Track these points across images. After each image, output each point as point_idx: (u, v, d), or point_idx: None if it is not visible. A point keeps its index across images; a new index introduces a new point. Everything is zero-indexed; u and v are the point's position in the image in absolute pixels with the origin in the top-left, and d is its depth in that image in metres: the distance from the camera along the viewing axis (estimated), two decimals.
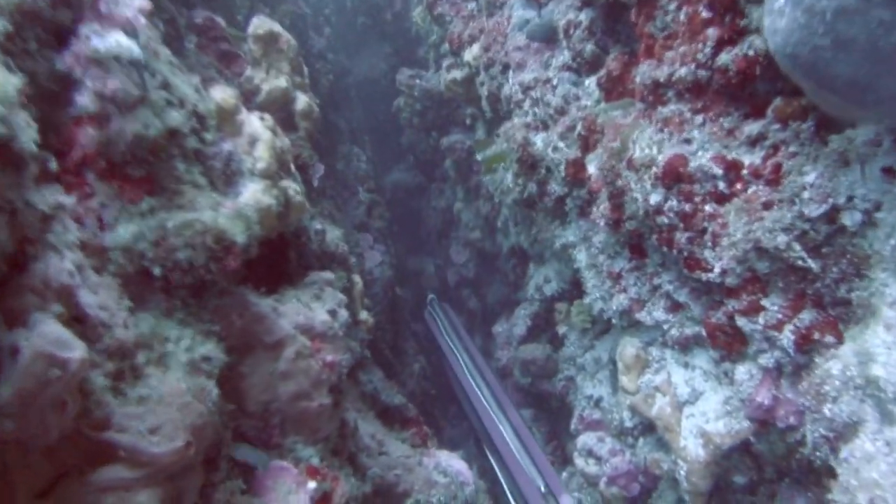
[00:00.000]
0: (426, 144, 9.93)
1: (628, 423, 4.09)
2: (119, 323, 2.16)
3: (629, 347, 3.70)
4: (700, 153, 3.04)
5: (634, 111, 3.49)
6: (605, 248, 3.70)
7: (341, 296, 3.30)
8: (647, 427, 4.01)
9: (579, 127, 3.69)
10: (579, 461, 4.93)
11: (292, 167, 4.26)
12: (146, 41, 2.60)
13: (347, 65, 10.54)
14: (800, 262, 2.68)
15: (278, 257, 3.38)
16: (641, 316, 3.57)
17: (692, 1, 3.09)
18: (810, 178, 2.69)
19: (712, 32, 3.01)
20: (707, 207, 3.02)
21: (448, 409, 9.19)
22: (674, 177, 3.05)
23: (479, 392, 6.60)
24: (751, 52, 2.90)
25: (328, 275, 3.32)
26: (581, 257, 4.01)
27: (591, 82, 3.99)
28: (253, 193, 2.87)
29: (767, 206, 2.82)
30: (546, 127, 4.09)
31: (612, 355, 4.84)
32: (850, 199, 2.56)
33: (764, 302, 2.93)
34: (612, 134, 3.44)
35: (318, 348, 2.72)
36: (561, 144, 3.77)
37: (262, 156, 2.94)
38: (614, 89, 3.73)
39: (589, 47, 3.96)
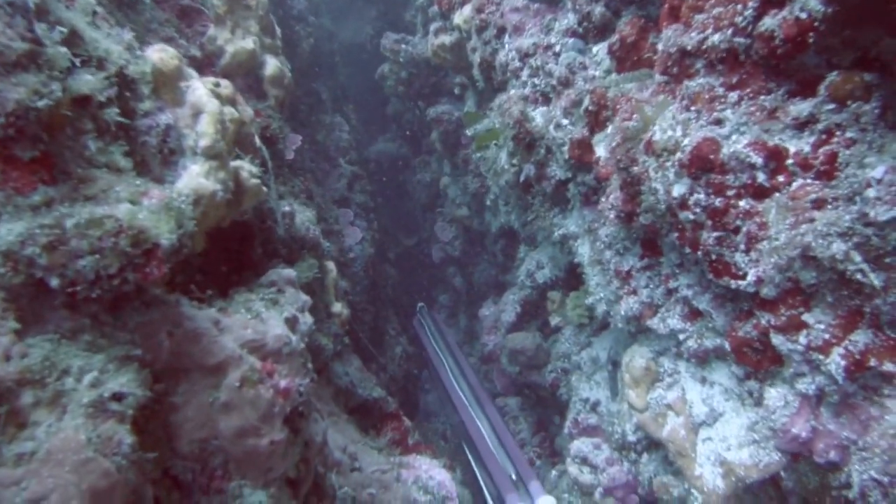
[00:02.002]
0: (412, 114, 9.36)
1: (631, 438, 3.65)
2: None
3: (638, 358, 3.23)
4: (734, 137, 2.54)
5: (653, 84, 2.97)
6: (613, 243, 3.19)
7: (304, 297, 2.79)
8: (653, 442, 3.57)
9: (587, 101, 3.16)
10: (573, 469, 4.51)
11: (256, 141, 3.72)
12: None
13: (331, 28, 9.88)
14: (858, 276, 2.20)
15: (239, 247, 2.86)
16: (653, 323, 3.09)
17: None
18: (877, 172, 2.19)
19: None
20: (742, 203, 2.52)
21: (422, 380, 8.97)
22: (702, 165, 2.55)
23: (465, 404, 6.34)
24: (803, 16, 2.38)
25: (289, 272, 2.80)
26: (583, 251, 3.51)
27: (600, 49, 3.45)
28: (193, 178, 2.34)
29: (819, 204, 2.33)
30: (547, 100, 3.56)
31: (612, 355, 4.39)
32: None
33: (807, 318, 2.45)
34: (626, 111, 2.92)
35: (271, 370, 2.22)
36: (564, 121, 3.24)
37: (205, 131, 2.40)
38: (628, 58, 3.20)
39: (598, 10, 3.42)
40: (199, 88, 2.51)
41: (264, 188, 2.80)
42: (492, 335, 7.81)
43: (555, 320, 5.50)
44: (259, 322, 2.30)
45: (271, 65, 4.42)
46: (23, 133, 1.77)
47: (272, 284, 2.71)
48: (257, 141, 3.74)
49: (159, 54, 2.54)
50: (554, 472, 6.27)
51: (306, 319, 2.70)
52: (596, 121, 3.15)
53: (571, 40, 3.54)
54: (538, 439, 7.37)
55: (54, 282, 1.78)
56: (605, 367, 4.41)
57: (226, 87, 3.14)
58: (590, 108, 3.15)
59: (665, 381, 3.16)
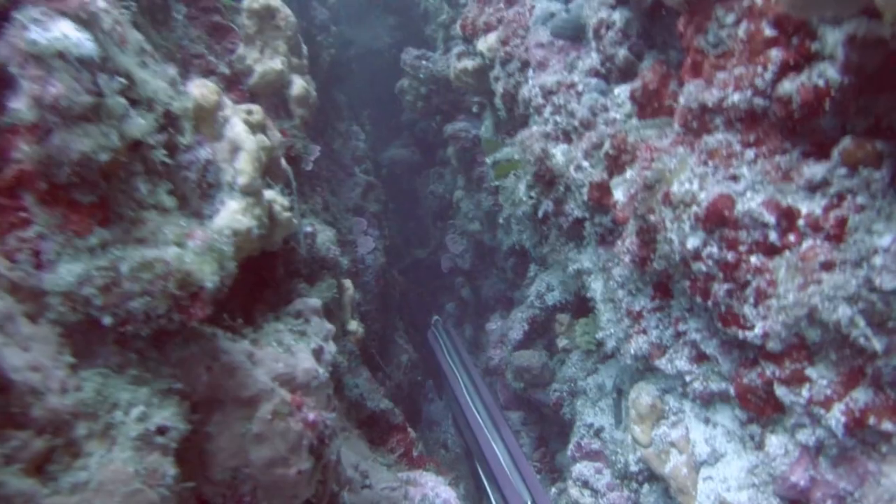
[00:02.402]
0: (427, 124, 9.47)
1: (633, 468, 3.76)
2: (55, 387, 1.77)
3: (644, 396, 3.34)
4: (749, 195, 2.65)
5: (672, 133, 3.08)
6: (626, 283, 3.31)
7: (329, 326, 2.91)
8: (654, 475, 3.68)
9: (607, 145, 3.27)
10: (573, 491, 4.62)
11: (283, 163, 3.85)
12: (110, 26, 2.16)
13: (349, 35, 10.00)
14: (861, 340, 2.31)
15: (262, 267, 2.98)
16: (661, 363, 3.20)
17: (754, 15, 2.67)
18: (885, 240, 2.30)
19: (776, 54, 2.59)
20: (753, 259, 2.63)
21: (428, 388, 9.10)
22: (717, 220, 2.66)
23: (479, 423, 6.40)
24: (820, 83, 2.49)
25: (315, 302, 2.92)
26: (596, 286, 3.63)
27: (621, 92, 3.56)
28: (231, 214, 2.46)
29: (827, 266, 2.43)
30: (568, 138, 3.67)
31: (617, 383, 4.50)
32: None
33: (810, 372, 2.56)
34: (645, 159, 3.03)
35: (300, 403, 2.34)
36: (585, 163, 3.36)
37: (244, 169, 2.52)
38: (649, 104, 3.31)
39: (622, 52, 3.53)
40: (237, 125, 2.63)
41: (294, 221, 2.91)
42: (498, 349, 7.93)
43: (562, 343, 5.61)
44: (290, 355, 2.42)
45: (298, 85, 4.54)
46: (84, 180, 1.89)
47: (299, 315, 2.84)
48: (283, 163, 3.86)
49: (200, 90, 2.66)
50: (553, 490, 6.39)
51: (330, 348, 2.82)
52: (615, 164, 3.27)
53: (594, 81, 3.65)
54: (539, 454, 7.49)
55: (107, 320, 1.90)
56: (610, 394, 4.52)
57: (257, 112, 3.27)
58: (610, 151, 3.26)
59: (670, 419, 3.28)
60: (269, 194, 2.73)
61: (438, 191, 9.53)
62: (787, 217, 2.58)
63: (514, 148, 3.78)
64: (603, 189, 3.28)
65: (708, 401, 3.14)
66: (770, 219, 2.57)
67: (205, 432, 2.20)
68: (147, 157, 2.16)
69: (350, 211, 8.35)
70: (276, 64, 4.35)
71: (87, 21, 1.95)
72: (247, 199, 2.52)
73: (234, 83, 4.46)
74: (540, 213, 3.75)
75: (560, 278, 5.50)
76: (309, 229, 4.03)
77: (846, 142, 2.52)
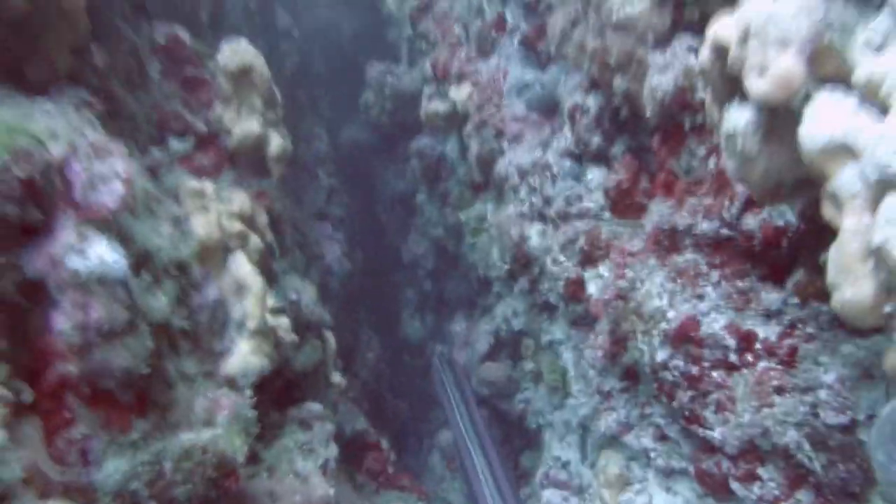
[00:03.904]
0: (380, 108, 9.25)
1: None
2: None
3: (612, 466, 3.71)
4: (713, 315, 2.95)
5: (643, 236, 3.35)
6: (595, 364, 3.62)
7: (329, 427, 3.14)
8: None
9: (581, 241, 3.52)
10: None
11: (269, 235, 3.97)
12: (130, 202, 2.26)
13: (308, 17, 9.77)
14: (805, 460, 2.68)
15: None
16: (628, 440, 3.56)
17: (722, 153, 2.92)
18: (829, 377, 2.64)
19: (741, 191, 2.86)
20: (715, 374, 2.96)
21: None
22: (684, 339, 2.97)
23: (478, 462, 6.58)
24: (780, 223, 2.78)
25: (317, 408, 3.13)
26: (568, 357, 3.94)
27: (594, 177, 3.79)
28: (243, 358, 2.63)
29: (779, 390, 2.77)
30: (543, 218, 3.90)
31: (583, 421, 4.87)
32: (870, 417, 2.54)
33: (761, 472, 2.94)
34: (618, 264, 3.30)
35: None
36: (561, 258, 3.61)
37: (253, 312, 2.67)
38: (622, 201, 3.56)
39: (595, 140, 3.74)
40: (242, 265, 2.77)
41: (294, 337, 3.08)
42: (463, 351, 8.20)
43: (528, 366, 5.93)
44: (305, 485, 2.65)
45: (275, 143, 4.58)
46: (123, 385, 2.04)
47: (303, 422, 3.04)
48: (269, 236, 3.99)
49: (204, 228, 2.77)
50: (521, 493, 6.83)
51: (332, 453, 3.05)
52: (589, 259, 3.53)
53: (568, 163, 3.86)
54: (505, 451, 7.89)
55: None
56: (576, 430, 4.89)
57: (243, 204, 3.39)
58: (584, 247, 3.52)
59: (635, 486, 3.66)
60: (273, 321, 2.88)
61: (399, 188, 9.58)
62: (746, 340, 2.89)
63: (491, 230, 3.98)
64: (577, 284, 3.55)
65: (669, 474, 3.53)
66: (731, 342, 2.89)
67: None
68: (170, 335, 2.30)
69: (314, 216, 8.40)
70: (254, 126, 4.38)
71: (116, 229, 2.06)
72: (256, 340, 2.68)
73: (212, 141, 4.47)
74: (516, 289, 4.00)
75: (524, 307, 5.77)
76: (294, 297, 4.17)
77: (799, 275, 2.83)
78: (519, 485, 7.15)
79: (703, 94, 2.92)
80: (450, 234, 7.94)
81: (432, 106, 5.33)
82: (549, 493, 5.02)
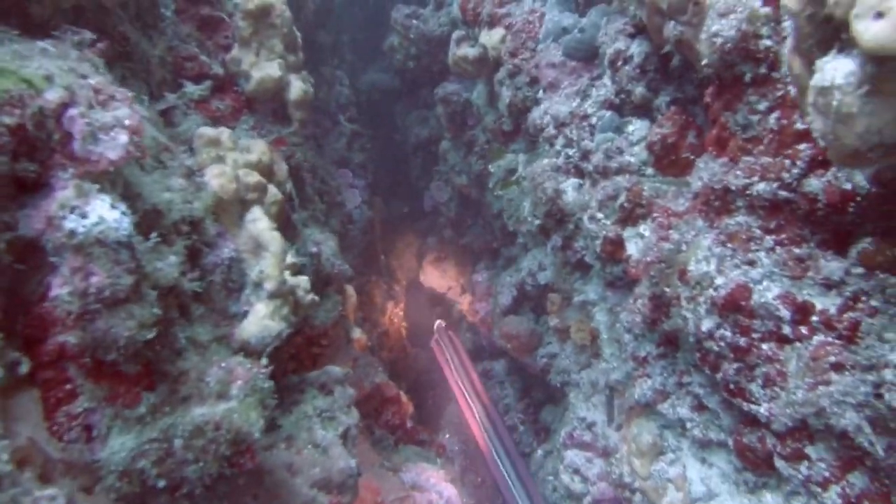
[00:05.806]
0: (407, 52, 8.90)
1: (627, 479, 4.03)
2: None
3: (646, 434, 3.54)
4: (766, 284, 2.71)
5: (689, 195, 3.09)
6: (633, 329, 3.41)
7: (350, 391, 2.99)
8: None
9: (622, 198, 3.26)
10: (565, 476, 4.95)
11: (288, 187, 3.78)
12: (133, 150, 2.05)
13: None
14: (865, 444, 2.48)
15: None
16: (664, 408, 3.38)
17: (787, 106, 2.63)
18: (895, 356, 2.41)
19: (805, 150, 2.58)
20: (765, 347, 2.74)
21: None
22: (733, 308, 2.74)
23: (487, 437, 6.60)
24: (847, 186, 2.51)
25: (337, 372, 2.97)
26: (601, 318, 3.73)
27: (636, 129, 3.50)
28: (260, 321, 2.45)
29: (837, 367, 2.55)
30: (580, 172, 3.63)
31: (613, 384, 4.71)
32: None
33: (810, 451, 2.75)
34: (662, 224, 3.05)
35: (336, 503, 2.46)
36: (600, 215, 3.35)
37: (270, 273, 2.48)
38: (666, 157, 3.28)
39: (639, 90, 3.44)
40: (260, 220, 2.57)
41: (315, 297, 2.90)
42: (483, 302, 8.05)
43: (553, 322, 5.76)
44: (325, 457, 2.51)
45: (296, 88, 4.33)
46: (128, 355, 1.88)
47: (323, 387, 2.89)
48: (288, 187, 3.78)
49: (218, 180, 2.57)
50: (540, 452, 6.77)
51: (353, 419, 2.91)
52: (630, 216, 3.27)
53: (608, 114, 3.57)
54: (523, 405, 7.80)
55: (161, 483, 1.95)
56: (602, 391, 4.73)
57: (262, 154, 3.17)
58: (625, 204, 3.26)
59: (668, 455, 3.50)
60: (293, 280, 2.69)
61: (423, 134, 9.28)
62: (802, 312, 2.66)
63: (524, 183, 3.73)
64: (616, 243, 3.30)
65: (706, 445, 3.35)
66: (785, 313, 2.66)
67: None
68: (180, 297, 2.12)
69: (336, 163, 8.17)
70: (274, 70, 4.13)
71: (118, 184, 1.86)
72: (274, 302, 2.50)
73: (229, 85, 4.24)
74: (549, 247, 3.77)
75: (555, 263, 5.56)
76: (314, 249, 4.00)
77: (866, 243, 2.57)
78: (539, 440, 7.11)
79: (769, 41, 2.62)
80: (473, 182, 7.68)
81: (461, 51, 4.99)
82: (571, 454, 4.91)
